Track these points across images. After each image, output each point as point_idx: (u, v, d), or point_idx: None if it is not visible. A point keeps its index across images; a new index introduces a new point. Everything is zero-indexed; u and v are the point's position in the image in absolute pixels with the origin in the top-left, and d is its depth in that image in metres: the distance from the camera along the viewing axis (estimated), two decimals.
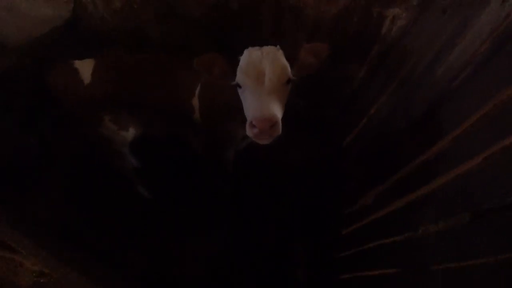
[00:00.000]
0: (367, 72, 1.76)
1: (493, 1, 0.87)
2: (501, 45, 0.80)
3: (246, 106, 1.05)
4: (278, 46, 1.06)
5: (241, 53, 1.07)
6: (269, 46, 1.06)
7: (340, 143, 2.09)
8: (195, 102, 1.37)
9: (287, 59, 1.05)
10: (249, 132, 0.98)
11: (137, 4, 1.89)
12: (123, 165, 1.72)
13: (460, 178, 0.85)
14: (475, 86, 0.89)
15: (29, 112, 1.69)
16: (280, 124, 0.97)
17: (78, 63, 1.35)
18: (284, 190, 1.98)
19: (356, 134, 1.95)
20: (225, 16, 1.85)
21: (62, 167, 1.79)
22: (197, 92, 1.36)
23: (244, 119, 1.18)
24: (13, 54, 1.75)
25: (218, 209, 1.90)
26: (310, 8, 1.64)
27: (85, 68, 1.35)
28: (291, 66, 1.06)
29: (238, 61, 1.05)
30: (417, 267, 0.97)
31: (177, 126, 1.52)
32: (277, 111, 0.98)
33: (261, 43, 1.14)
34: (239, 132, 1.41)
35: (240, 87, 1.06)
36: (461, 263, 0.76)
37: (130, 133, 1.54)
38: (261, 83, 0.98)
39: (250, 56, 1.02)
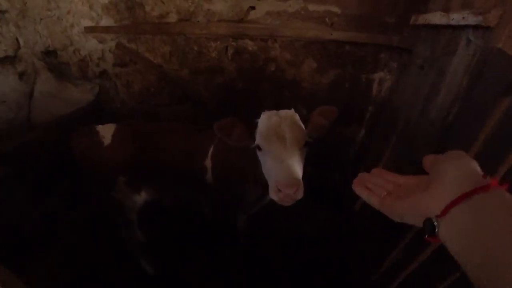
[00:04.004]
0: (366, 132, 1.85)
1: (460, 46, 1.01)
2: (479, 75, 0.88)
3: (267, 168, 1.00)
4: (292, 109, 1.05)
5: (258, 116, 1.06)
6: (285, 110, 1.05)
7: (351, 207, 2.00)
8: (208, 163, 1.37)
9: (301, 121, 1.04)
10: (274, 196, 0.94)
11: (154, 88, 2.17)
12: (131, 236, 1.62)
13: None
14: (466, 117, 0.93)
15: (41, 183, 1.75)
16: (303, 187, 0.92)
17: (99, 127, 1.45)
18: (295, 259, 1.79)
19: None
20: (231, 94, 2.09)
21: (65, 239, 1.77)
22: (210, 153, 1.37)
23: (256, 180, 1.16)
24: (39, 129, 1.94)
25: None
26: (306, 81, 1.87)
27: (106, 131, 1.42)
28: (305, 128, 1.03)
29: (256, 123, 1.04)
30: None
31: (188, 187, 1.49)
32: (300, 176, 0.95)
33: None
34: (250, 193, 1.36)
35: (260, 149, 1.03)
36: None
37: (142, 197, 1.52)
38: (283, 147, 0.97)
39: (269, 120, 1.01)
